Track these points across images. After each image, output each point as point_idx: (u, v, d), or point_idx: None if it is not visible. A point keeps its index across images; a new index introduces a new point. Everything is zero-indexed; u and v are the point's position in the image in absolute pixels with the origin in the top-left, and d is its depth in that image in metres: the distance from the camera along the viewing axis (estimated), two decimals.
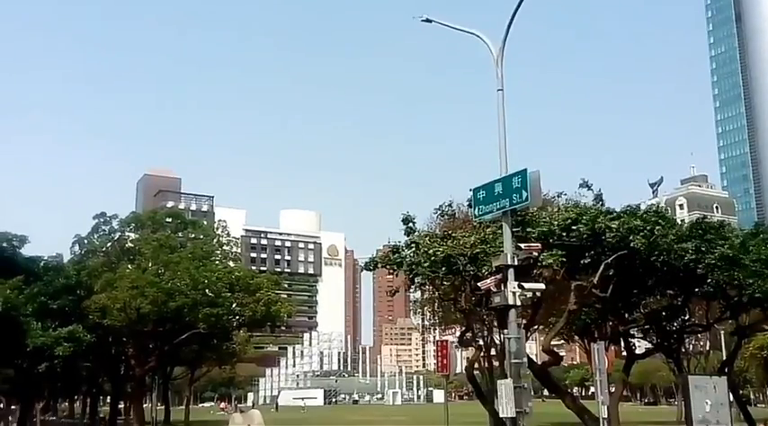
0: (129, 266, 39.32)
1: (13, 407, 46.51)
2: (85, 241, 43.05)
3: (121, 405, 52.30)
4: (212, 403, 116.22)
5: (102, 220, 42.84)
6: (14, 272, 31.11)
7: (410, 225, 19.47)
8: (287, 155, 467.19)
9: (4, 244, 32.98)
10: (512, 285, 14.33)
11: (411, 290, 27.66)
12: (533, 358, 22.54)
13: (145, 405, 44.44)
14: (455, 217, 22.85)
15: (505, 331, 14.80)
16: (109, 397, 58.29)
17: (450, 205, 21.76)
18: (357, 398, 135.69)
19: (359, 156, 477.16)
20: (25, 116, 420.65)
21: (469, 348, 29.21)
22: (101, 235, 43.00)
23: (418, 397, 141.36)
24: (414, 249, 18.79)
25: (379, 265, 20.31)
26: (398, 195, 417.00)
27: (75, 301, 33.88)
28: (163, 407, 53.47)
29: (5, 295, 28.65)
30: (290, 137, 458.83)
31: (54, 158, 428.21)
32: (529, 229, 17.44)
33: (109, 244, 42.35)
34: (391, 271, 19.97)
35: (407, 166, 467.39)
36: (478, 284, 15.71)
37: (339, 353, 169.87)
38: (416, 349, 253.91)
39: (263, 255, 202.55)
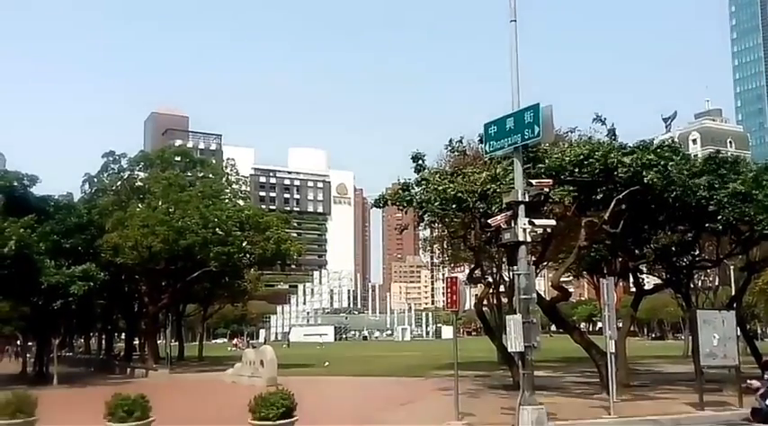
0: (140, 205, 39.49)
1: (30, 343, 47.50)
2: (95, 180, 43.15)
3: (136, 342, 53.30)
4: (225, 340, 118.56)
5: (111, 159, 42.83)
6: (26, 211, 31.18)
7: (420, 162, 19.27)
8: (295, 93, 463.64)
9: (15, 184, 32.92)
10: (522, 221, 14.26)
11: (420, 228, 27.73)
12: (542, 294, 22.63)
13: (159, 342, 45.27)
14: (466, 154, 22.59)
15: (515, 267, 14.81)
16: (124, 334, 59.53)
17: (460, 141, 21.47)
18: (367, 335, 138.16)
19: (368, 95, 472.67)
20: (33, 58, 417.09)
21: (478, 285, 29.43)
22: (110, 173, 43.04)
23: (427, 333, 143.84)
24: (423, 186, 18.64)
25: (389, 203, 20.21)
26: (408, 134, 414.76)
27: (88, 240, 34.08)
28: (176, 343, 54.55)
29: (18, 233, 28.76)
30: (298, 75, 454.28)
31: (62, 98, 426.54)
32: (540, 165, 17.24)
33: (119, 183, 42.44)
34: (400, 209, 19.88)
35: (417, 105, 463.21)
36: (488, 221, 15.63)
37: (349, 291, 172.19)
38: (425, 286, 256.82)
39: (272, 194, 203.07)
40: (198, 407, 21.56)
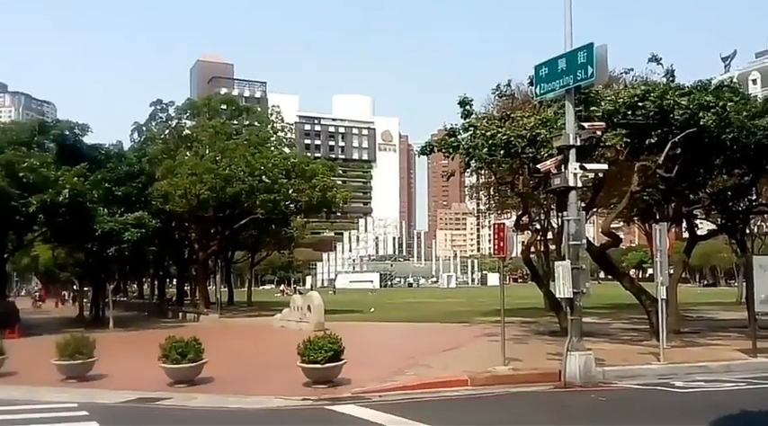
0: (188, 153, 39.88)
1: (85, 289, 49.10)
2: (144, 128, 43.67)
3: (187, 287, 54.70)
4: (272, 286, 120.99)
5: (158, 107, 43.19)
6: (78, 160, 31.73)
7: (467, 107, 18.79)
8: (339, 39, 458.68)
9: (67, 133, 33.47)
10: (573, 166, 13.88)
11: (467, 174, 27.35)
12: (591, 240, 22.24)
13: (209, 287, 46.33)
14: (514, 98, 21.98)
15: (564, 213, 14.50)
16: (175, 280, 61.14)
17: (508, 85, 20.86)
18: (412, 282, 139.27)
19: (413, 40, 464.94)
20: (81, 9, 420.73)
21: (525, 232, 29.13)
22: (158, 122, 43.48)
23: (472, 280, 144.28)
24: (471, 132, 18.23)
25: (435, 149, 19.87)
26: (454, 79, 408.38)
27: (139, 188, 34.68)
28: (226, 289, 55.83)
29: (72, 182, 29.33)
30: (343, 21, 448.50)
31: (111, 48, 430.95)
32: (592, 108, 16.67)
33: (167, 132, 42.87)
34: (447, 155, 19.55)
35: (464, 50, 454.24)
36: (538, 166, 15.25)
37: (394, 238, 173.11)
38: (471, 233, 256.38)
39: (317, 142, 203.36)
40: (248, 350, 22.04)
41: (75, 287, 58.99)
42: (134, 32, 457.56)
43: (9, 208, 28.68)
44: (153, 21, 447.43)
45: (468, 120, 18.58)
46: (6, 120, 79.34)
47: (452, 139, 18.76)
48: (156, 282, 61.49)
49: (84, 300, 47.22)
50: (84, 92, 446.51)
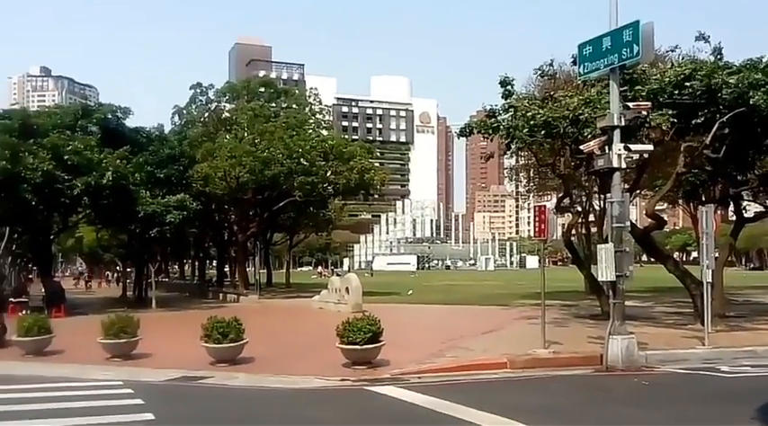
0: (227, 136, 40.24)
1: (128, 270, 50.16)
2: (184, 112, 44.15)
3: (227, 268, 55.45)
4: (310, 268, 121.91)
5: (198, 91, 43.61)
6: (121, 143, 32.24)
7: (508, 88, 18.49)
8: (376, 20, 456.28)
9: (110, 116, 34.00)
10: (617, 147, 13.59)
11: (506, 156, 27.02)
12: (635, 222, 21.80)
13: (248, 269, 46.89)
14: (556, 78, 21.55)
15: (608, 195, 14.24)
16: (215, 261, 62.05)
17: (551, 64, 20.44)
18: (449, 264, 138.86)
19: (451, 20, 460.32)
20: None
21: (566, 214, 28.72)
22: (198, 105, 43.91)
23: (511, 263, 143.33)
24: (511, 113, 17.94)
25: (475, 131, 19.61)
26: (493, 60, 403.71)
27: (180, 170, 35.11)
28: (264, 271, 56.43)
29: (115, 164, 29.83)
30: (381, 2, 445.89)
31: (151, 32, 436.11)
32: (637, 87, 16.27)
33: (206, 115, 43.28)
34: (486, 137, 19.28)
35: (504, 30, 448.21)
36: (581, 147, 14.96)
37: (432, 220, 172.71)
38: (510, 216, 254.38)
39: (355, 124, 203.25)
40: (287, 331, 22.25)
41: (118, 268, 60.30)
42: (174, 16, 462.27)
43: (55, 190, 29.33)
44: (192, 4, 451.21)
45: (508, 101, 18.29)
46: (50, 104, 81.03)
47: (492, 120, 18.48)
48: (196, 263, 62.52)
49: (128, 281, 48.25)
50: (125, 76, 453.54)
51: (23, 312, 24.66)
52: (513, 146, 19.73)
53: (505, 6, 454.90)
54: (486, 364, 13.67)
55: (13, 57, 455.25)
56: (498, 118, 18.50)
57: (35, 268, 59.09)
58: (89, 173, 29.32)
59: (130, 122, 35.41)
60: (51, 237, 39.07)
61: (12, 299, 28.06)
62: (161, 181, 33.14)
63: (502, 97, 18.47)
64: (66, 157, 29.22)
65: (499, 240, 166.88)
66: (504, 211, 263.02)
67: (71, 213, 36.05)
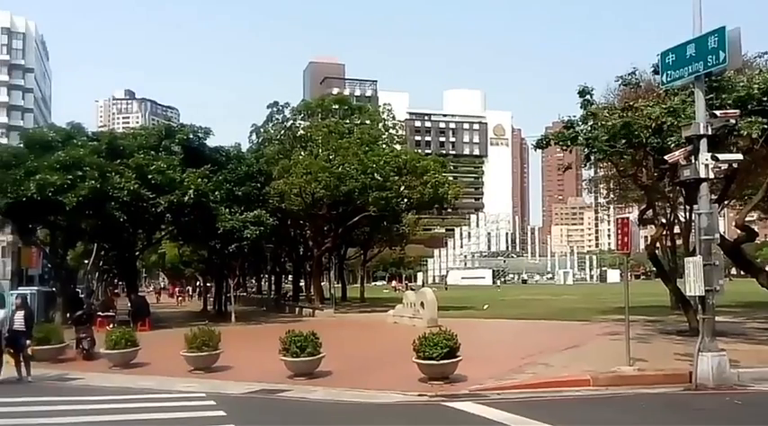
0: (302, 153, 40.89)
1: (208, 284, 51.53)
2: (261, 130, 45.15)
3: (302, 283, 56.14)
4: (384, 282, 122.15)
5: (275, 109, 44.54)
6: (202, 162, 33.24)
7: (587, 97, 18.05)
8: (449, 34, 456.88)
9: (191, 136, 35.10)
10: (704, 156, 13.03)
11: (585, 167, 26.33)
12: (723, 235, 20.84)
13: (323, 283, 47.37)
14: (638, 87, 20.91)
15: (695, 206, 13.66)
16: (290, 276, 62.96)
17: (633, 73, 19.84)
18: (526, 278, 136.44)
19: (525, 31, 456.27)
20: (202, 18, 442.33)
21: (649, 226, 27.74)
22: (275, 123, 44.81)
23: (591, 277, 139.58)
24: (591, 123, 17.49)
25: (552, 142, 19.23)
26: (569, 71, 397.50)
27: (257, 187, 35.84)
28: (339, 285, 56.83)
29: (196, 183, 30.80)
30: (452, 16, 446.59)
31: (229, 55, 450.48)
32: (724, 95, 15.58)
33: (282, 132, 44.10)
34: (564, 148, 18.86)
35: (579, 41, 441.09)
36: (665, 157, 14.41)
37: (507, 234, 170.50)
38: (589, 228, 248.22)
39: (428, 138, 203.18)
40: (363, 345, 22.28)
41: (198, 282, 62.00)
42: (250, 39, 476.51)
43: (140, 208, 30.52)
44: (267, 28, 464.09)
45: (587, 110, 17.84)
46: (135, 126, 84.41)
47: (570, 131, 18.07)
48: (272, 278, 63.58)
49: (208, 295, 49.55)
50: (205, 97, 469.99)
51: (110, 325, 25.68)
52: (592, 157, 19.21)
53: (581, 17, 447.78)
54: (568, 381, 13.28)
55: (99, 81, 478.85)
56: (576, 128, 18.07)
57: (121, 283, 61.60)
58: (172, 192, 30.38)
59: (210, 142, 36.49)
60: (136, 253, 40.61)
61: (99, 313, 29.21)
62: (239, 198, 33.94)
63: (581, 107, 18.05)
64: (150, 176, 30.37)
65: (578, 253, 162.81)
66: (582, 224, 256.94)
67: (155, 230, 37.39)
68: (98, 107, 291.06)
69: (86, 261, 49.26)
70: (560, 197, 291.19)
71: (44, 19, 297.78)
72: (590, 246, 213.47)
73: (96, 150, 31.43)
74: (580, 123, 18.07)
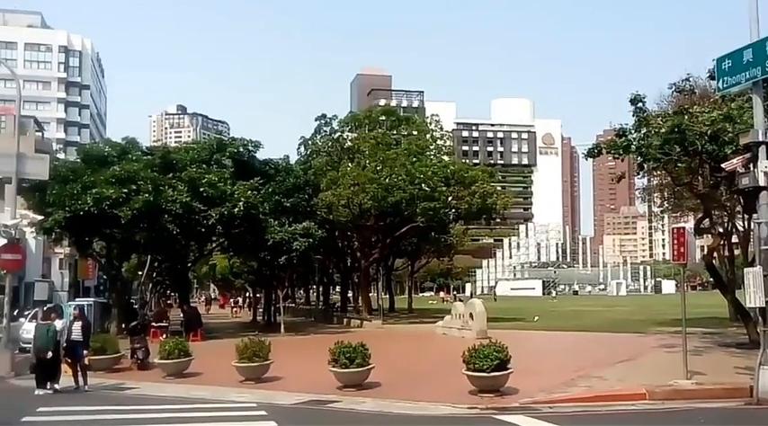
0: (350, 164, 41.11)
1: (258, 295, 52.10)
2: (309, 142, 45.59)
3: (350, 294, 56.26)
4: (431, 293, 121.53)
5: (323, 121, 44.91)
6: (252, 174, 33.74)
7: (639, 105, 17.70)
8: (496, 44, 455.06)
9: (241, 149, 35.67)
10: (763, 164, 12.66)
11: (638, 176, 25.78)
12: None
13: (371, 294, 47.41)
14: (693, 94, 20.40)
15: (754, 215, 13.23)
16: (338, 287, 63.20)
17: (687, 80, 19.38)
18: (577, 289, 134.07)
19: (575, 39, 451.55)
20: (250, 32, 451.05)
21: (706, 235, 26.97)
22: (323, 135, 45.19)
23: (645, 288, 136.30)
24: (644, 131, 17.14)
25: (604, 151, 18.89)
26: (619, 78, 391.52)
27: (305, 199, 36.18)
28: (387, 296, 56.79)
29: (246, 195, 31.25)
30: (499, 25, 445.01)
31: (277, 69, 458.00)
32: None
33: (330, 144, 44.44)
34: (616, 157, 18.49)
35: (632, 47, 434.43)
36: (722, 165, 14.02)
37: (557, 244, 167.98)
38: (642, 238, 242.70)
39: (475, 148, 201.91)
40: (412, 357, 22.18)
41: (248, 293, 62.73)
42: (297, 53, 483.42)
43: (192, 220, 31.11)
44: (314, 41, 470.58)
45: (639, 117, 17.49)
46: (187, 140, 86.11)
47: (622, 139, 17.72)
48: (320, 289, 63.95)
49: (258, 306, 50.10)
50: (253, 110, 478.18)
51: (164, 336, 26.18)
52: (645, 166, 18.78)
53: (633, 23, 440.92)
54: (623, 395, 12.96)
55: (152, 96, 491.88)
56: (629, 136, 17.72)
57: (173, 294, 62.77)
58: (222, 204, 30.89)
59: (260, 154, 36.99)
60: (188, 265, 41.36)
61: (153, 324, 29.80)
62: (287, 209, 34.29)
63: (633, 114, 17.70)
64: (202, 189, 30.94)
65: (631, 263, 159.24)
66: (635, 233, 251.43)
67: (206, 242, 38.01)
68: (151, 122, 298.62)
69: (140, 273, 50.33)
70: (612, 206, 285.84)
71: (99, 36, 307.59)
72: (644, 256, 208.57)
73: (150, 164, 32.21)
74: (633, 131, 17.72)
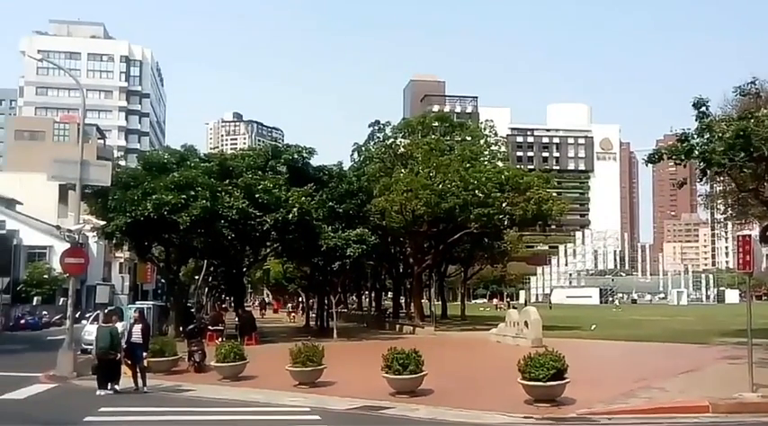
0: (403, 170, 41.09)
1: (310, 301, 52.45)
2: (363, 148, 45.78)
3: (402, 300, 56.12)
4: (484, 300, 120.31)
5: (376, 128, 45.08)
6: (306, 181, 34.04)
7: (702, 109, 17.16)
8: (550, 49, 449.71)
9: (296, 156, 36.03)
10: None
11: (701, 182, 25.05)
12: None
13: (423, 301, 47.17)
14: (759, 97, 19.68)
15: None
16: (390, 293, 63.15)
17: (752, 83, 18.71)
18: (636, 297, 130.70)
19: (633, 42, 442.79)
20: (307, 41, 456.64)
21: None
22: (376, 142, 45.34)
23: (707, 297, 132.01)
24: (707, 136, 16.59)
25: (665, 156, 18.37)
26: (678, 81, 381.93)
27: (358, 205, 36.29)
28: (439, 302, 56.46)
29: (300, 201, 31.53)
30: (555, 29, 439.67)
31: (330, 76, 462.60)
32: None
33: (383, 150, 44.53)
34: (678, 162, 17.95)
35: (691, 48, 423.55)
36: None
37: (615, 251, 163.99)
38: (704, 246, 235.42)
39: (530, 153, 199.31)
40: (465, 364, 21.95)
41: (301, 299, 63.26)
42: (350, 60, 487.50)
43: (247, 226, 31.56)
44: (367, 48, 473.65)
45: (703, 122, 16.94)
46: (243, 147, 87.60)
47: (684, 144, 17.19)
48: (372, 295, 64.03)
49: (311, 312, 50.44)
50: (308, 117, 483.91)
51: (219, 339, 26.57)
52: (708, 172, 18.18)
53: (692, 26, 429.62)
54: (685, 407, 12.54)
55: (209, 104, 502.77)
56: (691, 141, 17.18)
57: (228, 298, 63.81)
58: (277, 210, 31.24)
59: (313, 161, 37.31)
60: (243, 269, 41.97)
61: (210, 327, 30.29)
62: (340, 215, 34.46)
63: (695, 120, 17.16)
64: (257, 196, 31.37)
65: (693, 272, 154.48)
66: (697, 241, 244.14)
67: (260, 247, 38.52)
68: (208, 129, 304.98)
69: (197, 277, 51.39)
70: (673, 212, 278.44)
71: (158, 45, 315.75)
72: (706, 265, 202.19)
73: (208, 171, 32.82)
74: (695, 136, 17.18)
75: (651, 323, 45.77)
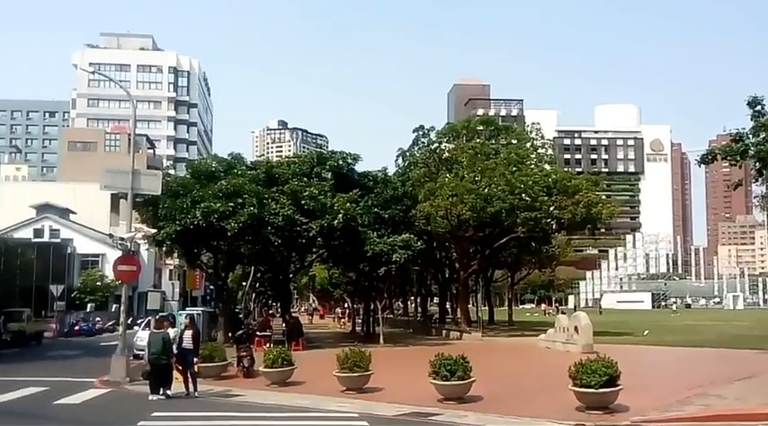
0: (448, 175, 40.92)
1: (356, 306, 52.62)
2: (407, 154, 45.74)
3: (448, 305, 55.82)
4: (532, 305, 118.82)
5: (420, 133, 44.95)
6: (351, 187, 34.14)
7: (758, 108, 16.65)
8: (600, 47, 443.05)
9: (341, 162, 36.18)
10: None
11: (757, 183, 24.30)
12: None
13: (469, 306, 46.85)
14: None
15: None
16: (436, 298, 62.90)
17: None
18: (690, 302, 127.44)
19: (683, 40, 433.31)
20: (342, 47, 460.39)
21: None
22: (420, 147, 45.23)
23: (764, 301, 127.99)
24: (762, 135, 16.09)
25: (718, 157, 17.87)
26: (730, 79, 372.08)
27: (403, 210, 36.23)
28: (486, 308, 55.95)
29: (345, 207, 31.64)
30: (601, 31, 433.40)
31: (374, 82, 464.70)
32: None
33: (428, 155, 44.40)
34: (732, 163, 17.45)
35: (742, 48, 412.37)
36: None
37: (667, 255, 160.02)
38: (761, 248, 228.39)
39: (578, 156, 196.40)
40: (514, 370, 21.70)
41: (346, 304, 63.50)
42: (394, 65, 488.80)
43: (293, 232, 31.84)
44: (410, 53, 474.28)
45: (758, 121, 16.43)
46: (288, 154, 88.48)
47: (739, 144, 16.73)
48: (418, 300, 63.89)
49: (357, 318, 50.58)
50: (352, 124, 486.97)
51: (267, 345, 26.83)
52: (765, 172, 17.62)
53: (745, 24, 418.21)
54: (744, 414, 12.12)
55: (255, 113, 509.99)
56: (746, 141, 16.68)
57: (275, 304, 64.44)
58: (323, 216, 31.43)
59: (358, 167, 37.41)
60: (290, 275, 42.32)
61: (258, 333, 30.59)
62: (385, 221, 34.44)
63: (750, 119, 16.65)
64: (303, 202, 31.62)
65: (749, 275, 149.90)
66: (753, 243, 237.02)
67: (307, 253, 38.80)
68: (254, 137, 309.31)
69: (244, 284, 51.99)
70: (727, 215, 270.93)
71: (205, 56, 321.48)
72: (762, 268, 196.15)
73: (255, 178, 33.23)
74: (750, 135, 16.69)
75: (706, 328, 44.55)
